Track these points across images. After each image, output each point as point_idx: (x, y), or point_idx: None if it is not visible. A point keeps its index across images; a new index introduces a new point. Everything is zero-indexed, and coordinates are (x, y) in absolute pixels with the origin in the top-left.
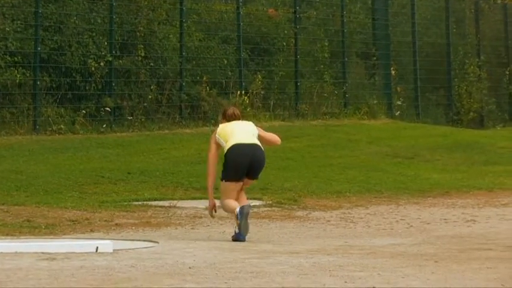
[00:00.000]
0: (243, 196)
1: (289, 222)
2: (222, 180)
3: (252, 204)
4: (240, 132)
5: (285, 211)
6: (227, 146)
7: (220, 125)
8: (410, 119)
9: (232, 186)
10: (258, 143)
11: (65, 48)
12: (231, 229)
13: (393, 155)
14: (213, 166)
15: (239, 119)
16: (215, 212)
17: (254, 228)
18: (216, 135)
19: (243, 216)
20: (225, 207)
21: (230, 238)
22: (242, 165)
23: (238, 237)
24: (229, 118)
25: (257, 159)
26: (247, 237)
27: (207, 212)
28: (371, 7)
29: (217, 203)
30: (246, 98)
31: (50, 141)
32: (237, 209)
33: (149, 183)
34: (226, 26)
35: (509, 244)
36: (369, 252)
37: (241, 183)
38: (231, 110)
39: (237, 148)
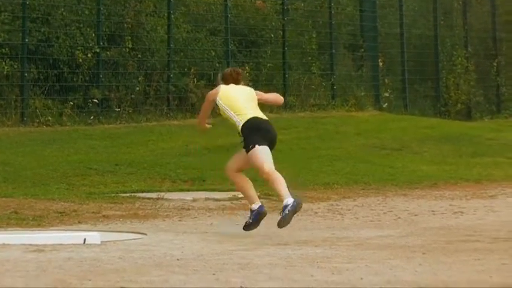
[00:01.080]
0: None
1: (276, 214)
2: (250, 149)
3: (240, 195)
4: (249, 105)
5: (273, 203)
6: (242, 118)
7: (222, 87)
8: (398, 111)
9: (267, 151)
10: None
11: (53, 39)
12: (219, 221)
13: (381, 146)
14: (203, 118)
15: (238, 82)
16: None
17: (242, 220)
18: (218, 98)
19: (294, 210)
20: (274, 181)
21: (215, 229)
22: (269, 132)
23: (259, 213)
24: (227, 79)
25: (275, 135)
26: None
27: (194, 204)
28: None
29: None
30: None
31: (38, 133)
32: (291, 200)
33: (137, 175)
34: (214, 18)
35: (496, 236)
36: (356, 243)
37: (270, 153)
38: (229, 70)
39: (257, 121)
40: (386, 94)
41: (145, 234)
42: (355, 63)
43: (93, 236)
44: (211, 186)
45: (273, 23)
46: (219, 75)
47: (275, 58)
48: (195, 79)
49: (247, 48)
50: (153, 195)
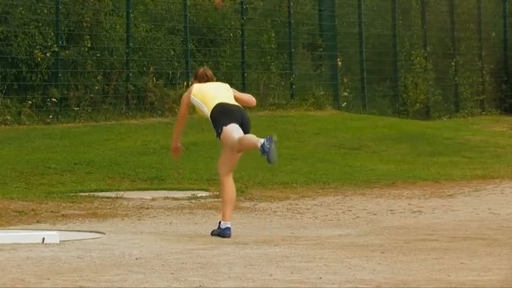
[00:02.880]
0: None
1: (235, 213)
2: (219, 133)
3: (199, 195)
4: (220, 94)
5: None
6: (210, 106)
7: (195, 85)
8: (356, 110)
9: (236, 127)
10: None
11: (11, 38)
12: (178, 220)
13: (339, 146)
14: (182, 121)
15: (212, 80)
16: (178, 153)
17: (201, 219)
18: (191, 96)
19: (271, 141)
20: (240, 143)
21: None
22: (236, 114)
23: (224, 233)
24: (200, 78)
25: (246, 116)
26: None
27: (153, 203)
28: None
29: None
30: None
31: None
32: (261, 140)
33: (96, 174)
34: (173, 17)
35: (454, 235)
36: (315, 243)
37: (240, 128)
38: (201, 70)
39: (224, 105)
40: (345, 93)
41: (104, 233)
42: (314, 63)
43: (52, 236)
44: (170, 186)
45: (232, 22)
46: (191, 77)
47: (234, 57)
48: (154, 78)
49: (206, 47)
50: (112, 194)
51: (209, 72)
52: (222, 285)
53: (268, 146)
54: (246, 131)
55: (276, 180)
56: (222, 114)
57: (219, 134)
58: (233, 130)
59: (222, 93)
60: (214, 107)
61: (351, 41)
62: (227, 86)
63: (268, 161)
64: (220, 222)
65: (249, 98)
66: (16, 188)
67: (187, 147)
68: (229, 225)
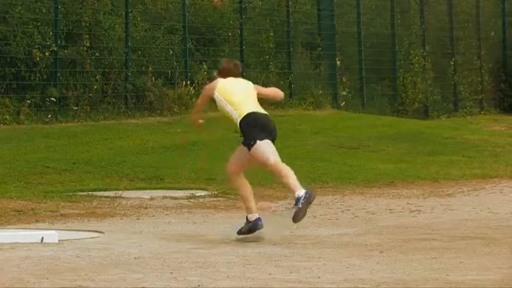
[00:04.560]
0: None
1: (234, 212)
2: (251, 145)
3: (197, 194)
4: (247, 97)
5: (231, 201)
6: (239, 111)
7: (220, 81)
8: (355, 110)
9: (271, 144)
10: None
11: (10, 38)
12: (177, 219)
13: (338, 145)
14: (198, 110)
15: (238, 76)
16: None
17: (200, 218)
18: (215, 92)
19: (308, 200)
20: (281, 173)
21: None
22: (269, 127)
23: (256, 224)
24: (226, 70)
25: (275, 129)
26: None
27: (152, 202)
28: None
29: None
30: (191, 88)
31: None
32: (303, 191)
33: (94, 174)
34: (172, 16)
35: (453, 234)
36: (314, 242)
37: (273, 145)
38: (229, 64)
39: (256, 116)
40: (344, 93)
41: (103, 232)
42: (313, 62)
43: (51, 235)
44: (169, 185)
45: (231, 22)
46: (215, 71)
47: (233, 56)
48: (153, 77)
49: (205, 46)
50: (111, 193)
51: (237, 63)
52: (220, 284)
53: (303, 202)
54: (273, 140)
55: (275, 180)
56: (255, 127)
57: (249, 145)
58: (268, 149)
59: (249, 96)
60: (246, 116)
61: (350, 41)
62: (251, 84)
63: (293, 217)
64: (247, 217)
65: (276, 92)
66: (15, 187)
67: (185, 146)
68: (258, 215)
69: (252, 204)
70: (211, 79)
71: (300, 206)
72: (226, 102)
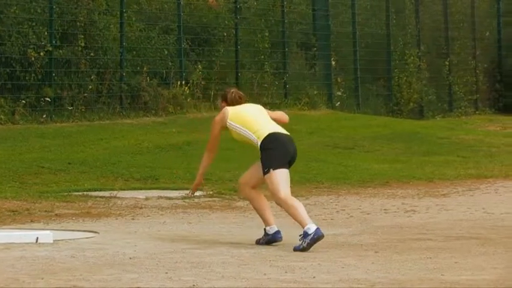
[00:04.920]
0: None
1: (229, 212)
2: (267, 171)
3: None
4: (263, 119)
5: (226, 201)
6: (259, 133)
7: (229, 109)
8: (350, 110)
9: (285, 175)
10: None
11: (5, 38)
12: (172, 219)
13: (333, 145)
14: (213, 149)
15: (245, 102)
16: (193, 193)
17: (195, 219)
18: (228, 120)
19: (314, 241)
20: (290, 208)
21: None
22: (289, 150)
23: (276, 237)
24: (232, 102)
25: (295, 150)
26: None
27: (147, 202)
28: None
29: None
30: (186, 88)
31: None
32: (313, 228)
33: (89, 174)
34: (167, 16)
35: (448, 234)
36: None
37: (288, 175)
38: (234, 93)
39: (277, 137)
40: (339, 93)
41: (98, 233)
42: (308, 62)
43: (46, 235)
44: (164, 185)
45: (226, 22)
46: (219, 98)
47: (228, 57)
48: (148, 78)
49: (200, 46)
50: (106, 193)
51: (242, 95)
52: (215, 284)
53: (309, 242)
54: (292, 163)
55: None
56: (274, 149)
57: (264, 172)
58: (280, 181)
59: (264, 116)
60: (265, 138)
61: (345, 41)
62: (261, 107)
63: (294, 248)
64: (265, 229)
65: (282, 116)
66: (10, 187)
67: (180, 146)
68: (277, 228)
69: (268, 213)
70: (218, 106)
71: (305, 245)
72: (243, 127)
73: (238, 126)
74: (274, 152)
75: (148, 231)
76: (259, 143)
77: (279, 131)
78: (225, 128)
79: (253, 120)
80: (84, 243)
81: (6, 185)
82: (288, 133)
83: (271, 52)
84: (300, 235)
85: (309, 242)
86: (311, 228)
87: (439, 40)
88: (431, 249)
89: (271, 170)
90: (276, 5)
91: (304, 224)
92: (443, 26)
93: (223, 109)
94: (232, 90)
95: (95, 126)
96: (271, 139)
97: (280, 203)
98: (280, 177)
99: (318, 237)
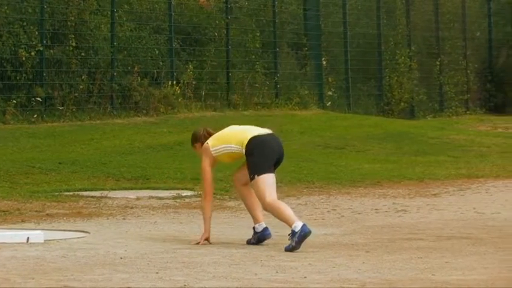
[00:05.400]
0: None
1: (220, 212)
2: (253, 178)
3: (183, 194)
4: (241, 128)
5: (217, 201)
6: (241, 144)
7: (209, 140)
8: (341, 110)
9: (271, 180)
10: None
11: None
12: (163, 219)
13: (324, 145)
14: (211, 189)
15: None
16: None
17: (186, 218)
18: (211, 149)
19: (302, 238)
20: (277, 211)
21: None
22: (274, 149)
23: (265, 234)
24: (206, 138)
25: (280, 146)
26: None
27: (138, 202)
28: None
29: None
30: (177, 88)
31: None
32: (299, 225)
33: (80, 174)
34: (158, 16)
35: (439, 234)
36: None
37: (275, 180)
38: (203, 131)
39: (261, 138)
40: (330, 93)
41: (89, 232)
42: (299, 62)
43: (37, 235)
44: (155, 185)
45: (217, 22)
46: (192, 141)
47: (219, 56)
48: (139, 77)
49: (191, 46)
50: (97, 193)
51: (210, 130)
52: (206, 284)
53: (297, 241)
54: (279, 163)
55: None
56: (259, 155)
57: (250, 177)
58: (266, 186)
59: (240, 127)
60: (249, 141)
61: (336, 41)
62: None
63: (285, 248)
64: (254, 228)
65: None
66: (0, 187)
67: (171, 146)
68: (265, 225)
69: (258, 213)
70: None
71: (294, 244)
72: (226, 144)
73: (221, 146)
74: (259, 157)
75: (139, 231)
76: (243, 150)
77: (261, 132)
78: (213, 160)
79: (231, 133)
80: (75, 243)
81: None
82: (271, 131)
83: (262, 52)
84: (288, 234)
85: (297, 240)
86: (297, 225)
87: (430, 40)
88: (422, 249)
89: (255, 176)
90: (267, 5)
91: (290, 222)
92: (434, 26)
93: (202, 146)
94: (199, 129)
95: (85, 126)
96: (253, 144)
97: (267, 208)
98: (266, 182)
99: (305, 233)
